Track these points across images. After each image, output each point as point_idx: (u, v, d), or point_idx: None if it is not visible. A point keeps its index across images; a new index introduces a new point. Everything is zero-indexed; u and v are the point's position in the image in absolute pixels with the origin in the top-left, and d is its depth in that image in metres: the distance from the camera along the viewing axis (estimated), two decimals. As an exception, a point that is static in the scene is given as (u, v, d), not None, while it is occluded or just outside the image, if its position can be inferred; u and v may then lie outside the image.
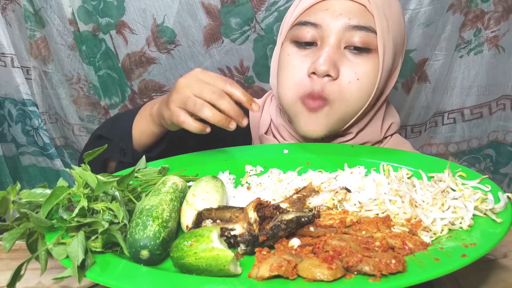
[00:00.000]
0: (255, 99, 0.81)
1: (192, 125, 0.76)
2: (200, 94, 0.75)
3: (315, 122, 0.88)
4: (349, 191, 0.71)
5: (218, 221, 0.64)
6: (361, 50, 0.86)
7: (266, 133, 1.01)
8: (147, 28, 1.34)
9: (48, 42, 1.45)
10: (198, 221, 0.63)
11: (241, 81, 1.42)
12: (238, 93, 0.77)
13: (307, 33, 0.87)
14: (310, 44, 0.88)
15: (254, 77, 1.41)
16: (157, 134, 0.89)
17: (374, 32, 0.85)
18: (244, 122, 0.77)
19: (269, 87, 1.41)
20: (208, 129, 0.77)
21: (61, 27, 1.39)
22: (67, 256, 0.54)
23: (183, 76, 0.79)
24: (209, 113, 0.74)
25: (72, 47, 1.42)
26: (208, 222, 0.61)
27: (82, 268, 0.53)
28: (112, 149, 0.88)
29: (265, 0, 1.29)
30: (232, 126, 0.76)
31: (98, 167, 0.92)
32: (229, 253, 0.52)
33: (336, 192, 0.70)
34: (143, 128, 0.89)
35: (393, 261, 0.49)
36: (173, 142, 0.92)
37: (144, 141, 0.90)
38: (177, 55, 1.37)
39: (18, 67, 1.52)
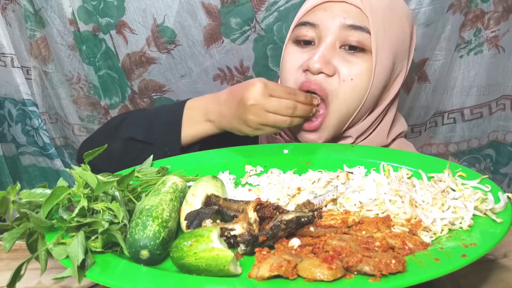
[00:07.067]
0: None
1: (279, 131, 0.91)
2: (277, 111, 0.82)
3: (314, 135, 0.91)
4: (351, 173, 0.71)
5: (218, 221, 0.64)
6: (356, 49, 0.87)
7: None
8: (147, 28, 1.34)
9: (48, 42, 1.45)
10: (207, 203, 0.66)
11: (241, 81, 1.42)
12: (302, 98, 0.85)
13: (306, 33, 0.90)
14: (309, 43, 0.91)
15: (254, 77, 1.41)
16: (210, 135, 0.92)
17: (369, 33, 0.86)
18: (316, 102, 0.87)
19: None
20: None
21: (61, 27, 1.39)
22: (67, 256, 0.54)
23: (247, 90, 0.83)
24: (296, 122, 0.86)
25: (72, 47, 1.42)
26: (208, 222, 0.61)
27: (82, 268, 0.53)
28: (154, 153, 0.86)
29: (265, 0, 1.29)
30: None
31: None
32: (229, 253, 0.53)
33: (337, 176, 0.71)
34: (198, 133, 0.91)
35: (393, 261, 0.49)
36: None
37: (193, 142, 0.92)
38: (177, 55, 1.37)
39: (18, 67, 1.52)
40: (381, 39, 0.87)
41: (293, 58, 0.91)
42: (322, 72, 0.86)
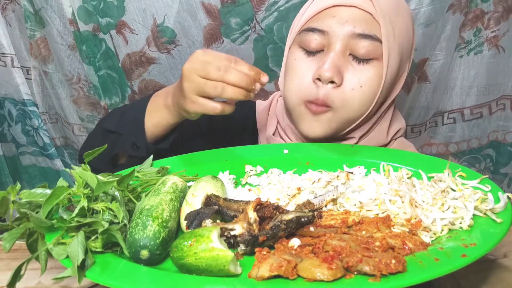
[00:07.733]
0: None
1: (220, 109, 0.77)
2: (206, 75, 0.75)
3: (318, 125, 0.89)
4: (351, 173, 0.72)
5: (218, 221, 0.64)
6: (364, 58, 0.87)
7: (273, 134, 1.02)
8: (147, 28, 1.34)
9: (48, 42, 1.45)
10: (207, 203, 0.66)
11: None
12: (245, 68, 0.77)
13: (314, 40, 0.88)
14: (317, 49, 0.89)
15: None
16: (172, 125, 0.89)
17: (379, 40, 0.86)
18: (264, 80, 0.78)
19: (269, 87, 1.42)
20: (232, 107, 0.79)
21: (61, 27, 1.39)
22: (67, 256, 0.54)
23: (187, 60, 0.79)
24: (231, 92, 0.75)
25: (72, 47, 1.42)
26: (208, 222, 0.61)
27: (82, 268, 0.53)
28: (123, 143, 0.88)
29: (265, 0, 1.29)
30: (252, 95, 0.77)
31: (106, 162, 0.90)
32: (229, 253, 0.53)
33: (337, 176, 0.71)
34: (158, 120, 0.88)
35: (393, 261, 0.49)
36: (183, 132, 0.92)
37: (158, 133, 0.89)
38: (177, 55, 1.37)
39: (18, 67, 1.52)
40: (392, 46, 0.87)
41: (302, 66, 0.90)
42: (332, 81, 0.86)
